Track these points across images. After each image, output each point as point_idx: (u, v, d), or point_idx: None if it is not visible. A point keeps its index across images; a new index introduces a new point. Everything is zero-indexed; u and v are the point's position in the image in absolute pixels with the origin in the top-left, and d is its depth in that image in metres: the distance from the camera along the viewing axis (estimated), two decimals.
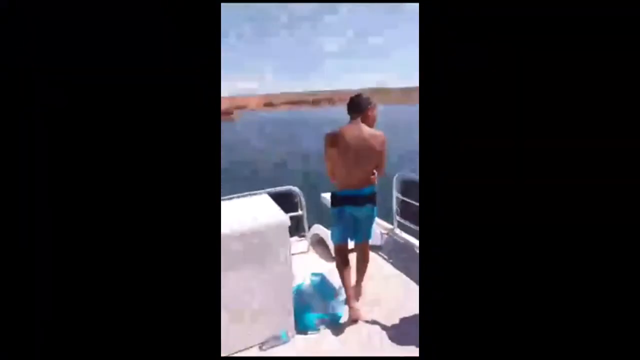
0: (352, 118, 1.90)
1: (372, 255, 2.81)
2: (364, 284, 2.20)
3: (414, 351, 1.69)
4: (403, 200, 3.24)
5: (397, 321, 1.93)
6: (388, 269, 2.62)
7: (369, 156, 1.83)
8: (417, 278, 2.37)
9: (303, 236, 3.08)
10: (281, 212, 1.82)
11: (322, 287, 2.02)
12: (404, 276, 2.46)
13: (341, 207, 1.94)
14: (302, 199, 2.99)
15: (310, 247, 3.06)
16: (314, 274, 2.16)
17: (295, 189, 3.00)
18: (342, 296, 2.04)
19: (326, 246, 2.91)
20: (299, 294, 1.98)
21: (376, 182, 1.96)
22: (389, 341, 1.78)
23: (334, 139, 1.84)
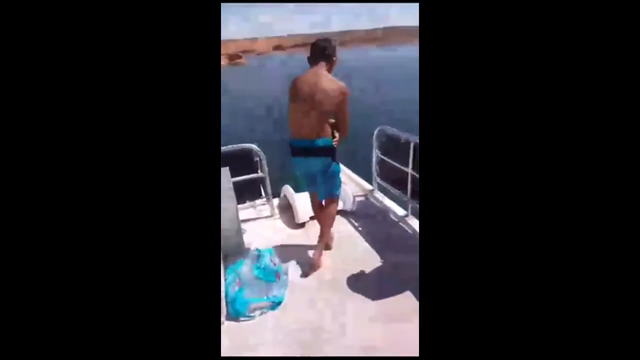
0: (314, 64, 1.77)
1: (343, 222, 2.51)
2: (331, 253, 2.08)
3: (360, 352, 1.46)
4: (383, 160, 2.85)
5: (349, 310, 1.66)
6: (359, 241, 2.32)
7: (325, 106, 1.69)
8: (392, 252, 2.08)
9: (267, 200, 2.78)
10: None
11: (264, 265, 1.74)
12: (375, 252, 2.17)
13: (297, 158, 1.83)
14: (263, 159, 2.63)
15: (277, 212, 2.78)
16: (258, 250, 1.87)
17: (254, 147, 2.62)
18: (287, 277, 1.77)
19: (292, 211, 2.62)
20: (233, 272, 1.71)
21: (335, 143, 1.81)
22: (329, 334, 1.52)
23: (292, 85, 1.74)
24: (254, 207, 2.78)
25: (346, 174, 3.43)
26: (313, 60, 1.76)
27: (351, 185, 3.10)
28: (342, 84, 1.71)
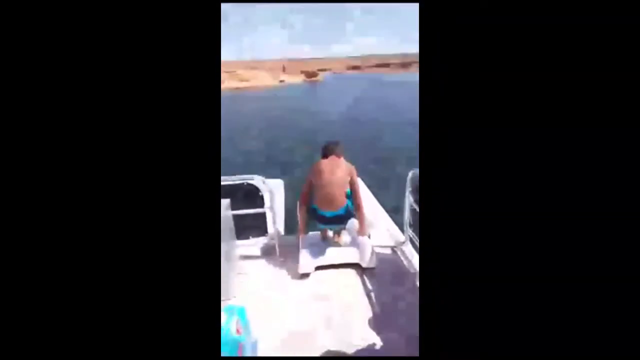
0: (328, 156, 2.42)
1: (355, 282, 2.10)
2: (325, 323, 1.84)
3: None
4: (416, 210, 2.37)
5: None
6: (366, 310, 1.87)
7: (343, 180, 2.33)
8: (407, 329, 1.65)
9: (272, 238, 2.53)
10: None
11: (226, 331, 1.45)
12: (382, 327, 1.73)
13: (326, 225, 2.40)
14: (267, 192, 2.37)
15: (280, 252, 2.47)
16: (229, 307, 1.60)
17: (258, 178, 2.38)
18: (252, 353, 1.46)
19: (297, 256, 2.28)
20: None
21: (365, 230, 2.39)
22: None
23: (315, 167, 2.36)
24: (257, 245, 2.57)
25: (377, 213, 2.99)
26: (328, 153, 2.42)
27: (377, 233, 2.66)
28: (350, 165, 2.39)
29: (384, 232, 2.78)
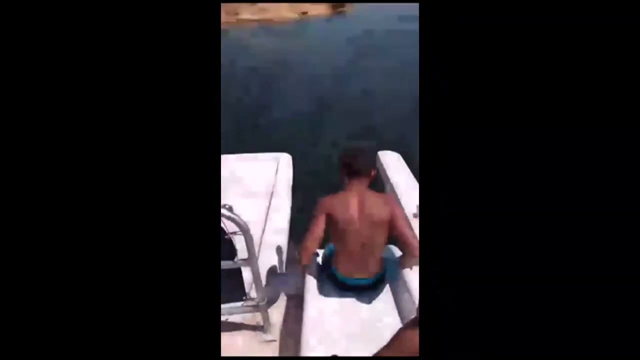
0: (354, 181, 1.51)
1: None
2: None
3: None
4: None
5: None
6: None
7: (378, 230, 1.47)
8: None
9: (255, 306, 1.53)
10: None
11: None
12: None
13: (347, 292, 1.58)
14: (246, 234, 1.34)
15: (272, 328, 1.61)
16: None
17: (224, 212, 1.40)
18: None
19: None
20: None
21: (406, 264, 1.61)
22: None
23: (329, 209, 1.48)
24: (234, 312, 1.58)
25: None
26: (354, 176, 1.50)
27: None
28: (385, 194, 1.70)
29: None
